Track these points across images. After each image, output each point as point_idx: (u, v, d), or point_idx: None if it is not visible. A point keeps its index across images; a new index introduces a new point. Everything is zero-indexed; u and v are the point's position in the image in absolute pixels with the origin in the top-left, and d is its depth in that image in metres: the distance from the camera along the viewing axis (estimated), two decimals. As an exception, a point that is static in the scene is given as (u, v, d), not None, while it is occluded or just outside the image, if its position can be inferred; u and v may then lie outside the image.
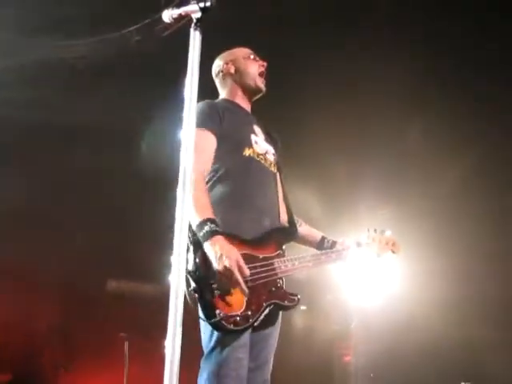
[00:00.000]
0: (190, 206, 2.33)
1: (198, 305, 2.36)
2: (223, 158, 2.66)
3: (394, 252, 3.07)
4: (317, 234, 3.03)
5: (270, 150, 2.85)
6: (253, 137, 2.78)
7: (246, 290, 2.38)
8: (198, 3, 1.87)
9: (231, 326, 2.34)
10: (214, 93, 2.99)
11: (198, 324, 2.53)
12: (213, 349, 2.45)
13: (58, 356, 6.98)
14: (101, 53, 5.15)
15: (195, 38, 1.85)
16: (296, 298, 2.58)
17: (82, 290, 6.68)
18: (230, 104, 2.88)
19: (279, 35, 5.41)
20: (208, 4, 1.86)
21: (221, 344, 2.43)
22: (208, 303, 2.34)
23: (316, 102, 6.04)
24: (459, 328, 6.20)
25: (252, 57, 2.95)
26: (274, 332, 2.70)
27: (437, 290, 6.45)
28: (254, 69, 2.90)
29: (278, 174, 2.85)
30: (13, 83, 5.35)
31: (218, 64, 2.99)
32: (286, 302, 2.56)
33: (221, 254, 2.32)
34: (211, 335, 2.46)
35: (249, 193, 2.66)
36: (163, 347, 1.62)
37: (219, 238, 2.36)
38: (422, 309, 6.48)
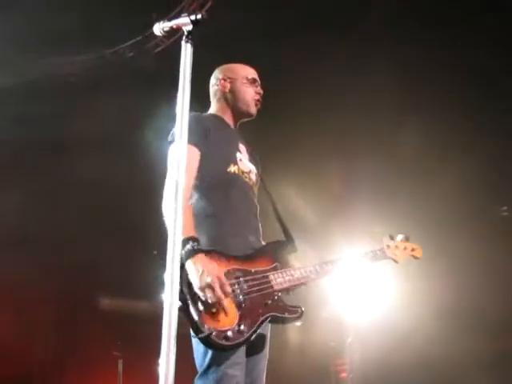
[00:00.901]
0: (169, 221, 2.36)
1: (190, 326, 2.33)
2: (208, 173, 2.63)
3: (415, 257, 2.98)
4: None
5: (253, 170, 2.83)
6: (238, 154, 2.77)
7: (231, 307, 2.36)
8: (189, 16, 1.87)
9: (223, 342, 2.31)
10: (206, 104, 2.96)
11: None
12: (207, 367, 2.41)
13: (49, 374, 6.89)
14: (95, 69, 5.17)
15: (187, 51, 1.85)
16: (299, 310, 2.54)
17: (75, 307, 6.61)
18: (217, 120, 2.85)
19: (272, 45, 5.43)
20: (199, 16, 1.86)
21: (215, 362, 2.39)
22: (196, 320, 2.31)
23: (312, 114, 6.06)
24: (457, 341, 6.16)
25: (252, 78, 2.88)
26: (266, 348, 2.67)
27: (433, 302, 6.42)
28: (250, 94, 2.84)
29: (257, 193, 2.84)
30: (13, 99, 5.35)
31: (216, 76, 2.93)
32: (287, 314, 2.52)
33: (202, 270, 2.31)
34: (205, 353, 2.42)
35: (234, 208, 2.64)
36: (157, 365, 1.59)
37: (201, 256, 2.35)
38: (418, 322, 6.44)
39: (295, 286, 2.60)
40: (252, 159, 2.86)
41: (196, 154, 2.61)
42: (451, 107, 5.99)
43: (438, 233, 6.30)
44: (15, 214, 5.97)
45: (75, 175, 6.03)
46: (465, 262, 6.32)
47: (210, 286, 2.29)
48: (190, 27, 1.86)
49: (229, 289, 2.35)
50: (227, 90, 2.86)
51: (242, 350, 2.44)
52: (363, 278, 6.81)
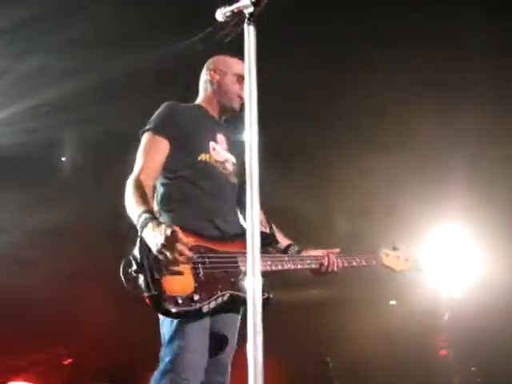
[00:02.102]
0: (128, 204, 2.49)
1: (141, 285, 2.36)
2: (177, 160, 2.69)
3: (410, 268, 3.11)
4: (284, 240, 3.00)
5: (231, 159, 2.86)
6: (212, 144, 2.80)
7: (188, 276, 2.40)
8: (248, -3, 1.84)
9: (171, 306, 2.36)
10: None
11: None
12: (170, 339, 2.48)
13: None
14: (167, 65, 5.24)
15: (250, 33, 1.81)
16: (265, 294, 2.54)
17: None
18: (195, 110, 2.91)
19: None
20: (259, -4, 1.82)
21: (177, 333, 2.46)
22: (149, 281, 2.35)
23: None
24: None
25: (242, 76, 2.78)
26: (231, 326, 2.70)
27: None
28: (235, 91, 2.88)
29: (240, 185, 2.78)
30: (96, 98, 5.53)
31: (208, 66, 2.99)
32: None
33: (155, 232, 2.33)
34: (170, 326, 2.49)
35: (200, 195, 2.69)
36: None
37: (155, 223, 2.37)
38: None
39: (267, 271, 2.63)
40: (231, 149, 2.88)
41: (163, 143, 2.68)
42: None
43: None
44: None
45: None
46: None
47: (165, 246, 2.29)
48: (251, 9, 1.83)
49: (185, 249, 2.33)
50: (215, 82, 2.92)
51: (206, 320, 2.51)
52: (455, 251, 6.64)
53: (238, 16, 1.91)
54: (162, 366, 2.48)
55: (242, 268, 2.53)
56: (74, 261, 6.09)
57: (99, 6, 4.77)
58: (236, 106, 2.89)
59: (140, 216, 2.41)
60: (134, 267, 2.38)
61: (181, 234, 2.31)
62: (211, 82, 2.93)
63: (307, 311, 7.11)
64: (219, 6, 2.06)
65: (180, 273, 2.39)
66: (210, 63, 2.99)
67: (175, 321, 2.47)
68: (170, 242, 2.29)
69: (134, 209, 2.47)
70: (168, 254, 2.31)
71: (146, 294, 2.35)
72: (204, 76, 2.98)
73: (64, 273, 6.12)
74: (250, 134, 1.72)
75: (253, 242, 1.65)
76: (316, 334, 6.88)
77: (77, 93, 5.36)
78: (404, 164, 6.41)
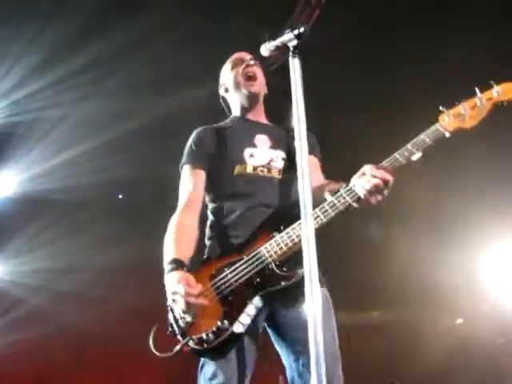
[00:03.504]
0: (164, 246, 2.42)
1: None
2: (216, 181, 2.63)
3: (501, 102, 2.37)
4: (335, 185, 2.49)
5: (277, 155, 2.66)
6: (247, 151, 2.64)
7: (211, 308, 2.27)
8: (292, 31, 1.90)
9: (200, 346, 2.26)
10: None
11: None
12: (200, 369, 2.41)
13: None
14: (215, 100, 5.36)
15: (295, 66, 1.87)
16: (297, 273, 2.27)
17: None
18: (229, 122, 2.82)
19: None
20: (302, 30, 1.89)
21: (202, 372, 2.38)
22: (181, 330, 2.30)
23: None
24: None
25: (236, 60, 2.82)
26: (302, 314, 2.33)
27: None
28: (239, 76, 2.74)
29: (289, 177, 2.56)
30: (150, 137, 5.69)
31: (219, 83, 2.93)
32: (283, 283, 2.31)
33: (168, 288, 2.29)
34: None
35: (228, 211, 2.55)
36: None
37: (170, 276, 2.30)
38: None
39: (299, 242, 2.26)
40: (278, 144, 2.69)
41: (195, 172, 2.62)
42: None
43: None
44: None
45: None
46: None
47: (174, 300, 2.25)
48: (295, 42, 1.89)
49: (194, 291, 2.24)
50: (227, 91, 2.85)
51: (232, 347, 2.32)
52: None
53: (282, 50, 1.97)
54: None
55: (269, 259, 2.33)
56: (139, 299, 6.19)
57: (150, 50, 4.96)
58: (247, 87, 2.73)
59: (167, 264, 2.36)
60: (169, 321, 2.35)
61: (187, 285, 2.24)
62: (225, 92, 2.87)
63: (369, 335, 7.00)
64: (265, 41, 2.14)
65: (203, 311, 2.27)
66: (219, 84, 2.93)
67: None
68: (178, 296, 2.23)
69: (165, 254, 2.41)
70: (178, 307, 2.25)
71: (178, 347, 2.28)
72: (222, 99, 2.92)
73: (130, 311, 6.21)
74: (302, 160, 1.77)
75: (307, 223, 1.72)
76: (382, 356, 6.76)
77: (130, 133, 5.55)
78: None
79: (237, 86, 2.76)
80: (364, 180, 2.26)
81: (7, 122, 5.82)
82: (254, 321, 2.33)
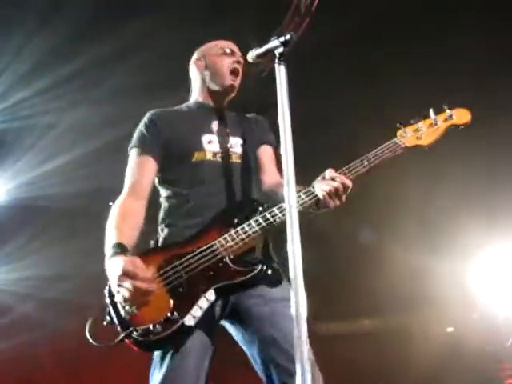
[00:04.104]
0: (107, 231, 2.33)
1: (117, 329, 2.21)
2: (171, 167, 2.54)
3: (457, 125, 2.51)
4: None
5: (237, 142, 2.60)
6: (206, 137, 2.56)
7: (160, 298, 2.17)
8: (278, 38, 1.92)
9: (147, 338, 2.13)
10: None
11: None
12: (150, 374, 2.32)
13: None
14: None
15: (281, 72, 1.88)
16: (257, 267, 2.24)
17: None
18: (184, 107, 2.73)
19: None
20: (288, 37, 1.91)
21: (156, 363, 2.28)
22: (122, 323, 2.18)
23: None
24: None
25: (229, 49, 2.70)
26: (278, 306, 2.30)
27: None
28: (225, 66, 2.64)
29: (248, 163, 2.58)
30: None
31: (192, 60, 2.79)
32: (239, 278, 2.24)
33: (114, 268, 2.17)
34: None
35: (193, 200, 2.47)
36: None
37: (114, 260, 2.20)
38: None
39: (254, 237, 2.29)
40: (235, 131, 2.63)
41: (149, 160, 2.53)
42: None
43: None
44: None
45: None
46: None
47: (120, 285, 2.13)
48: (281, 49, 1.91)
49: (145, 274, 2.15)
50: (203, 68, 2.71)
51: (189, 337, 2.22)
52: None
53: (269, 56, 1.98)
54: None
55: (223, 253, 2.27)
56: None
57: (137, 58, 4.96)
58: (229, 83, 2.64)
59: (110, 248, 2.25)
60: (106, 309, 2.24)
61: (136, 267, 2.14)
62: (199, 70, 2.72)
63: (360, 341, 7.00)
64: (252, 48, 2.15)
65: (149, 300, 2.15)
66: (192, 57, 2.80)
67: (156, 354, 2.28)
68: (126, 280, 2.12)
69: (107, 239, 2.31)
70: (125, 292, 2.13)
71: (119, 338, 2.16)
72: (190, 71, 2.78)
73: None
74: (287, 167, 1.77)
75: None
76: (371, 363, 6.76)
77: (119, 140, 5.54)
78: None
79: (218, 73, 2.65)
80: (324, 183, 2.27)
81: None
82: (208, 315, 2.24)
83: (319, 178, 2.32)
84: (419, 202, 6.34)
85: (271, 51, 1.95)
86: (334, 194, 2.25)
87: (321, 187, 2.27)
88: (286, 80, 1.86)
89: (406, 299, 6.65)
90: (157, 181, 2.60)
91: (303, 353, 1.54)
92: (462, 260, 6.68)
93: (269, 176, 2.61)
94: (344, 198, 2.28)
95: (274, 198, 2.41)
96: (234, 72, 2.64)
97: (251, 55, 2.06)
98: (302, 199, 2.29)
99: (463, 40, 4.99)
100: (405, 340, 6.87)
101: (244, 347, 2.40)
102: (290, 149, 1.78)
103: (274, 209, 2.30)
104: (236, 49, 2.72)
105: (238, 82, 2.66)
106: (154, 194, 2.59)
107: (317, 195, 2.28)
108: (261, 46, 2.04)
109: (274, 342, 2.26)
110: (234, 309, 2.37)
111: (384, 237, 6.62)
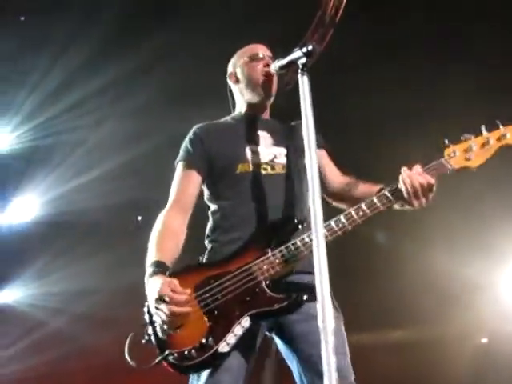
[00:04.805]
0: (149, 246, 2.32)
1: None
2: (217, 181, 2.52)
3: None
4: (370, 189, 2.41)
5: (280, 152, 2.54)
6: (249, 149, 2.52)
7: (196, 321, 2.15)
8: (300, 49, 1.90)
9: (183, 363, 2.13)
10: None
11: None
12: None
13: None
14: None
15: (304, 83, 1.86)
16: (291, 296, 2.18)
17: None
18: (229, 119, 2.70)
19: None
20: (310, 48, 1.89)
21: (194, 379, 2.26)
22: (160, 344, 2.18)
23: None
24: None
25: (255, 54, 2.62)
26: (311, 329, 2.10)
27: None
28: (256, 71, 2.57)
29: (293, 173, 2.51)
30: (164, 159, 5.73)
31: (227, 75, 2.74)
32: (276, 306, 2.19)
33: (151, 293, 2.17)
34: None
35: (233, 215, 2.44)
36: None
37: (153, 279, 2.19)
38: None
39: (292, 262, 2.23)
40: (280, 141, 2.57)
41: (193, 173, 2.52)
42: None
43: None
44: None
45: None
46: None
47: (157, 307, 2.13)
48: (304, 60, 1.89)
49: (181, 298, 2.12)
50: (236, 82, 2.66)
51: (225, 361, 2.18)
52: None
53: (292, 68, 1.97)
54: None
55: (260, 277, 2.22)
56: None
57: (163, 73, 5.00)
58: (262, 88, 2.56)
59: (149, 266, 2.26)
60: (146, 327, 2.24)
61: (173, 290, 2.13)
62: (234, 84, 2.68)
63: (394, 352, 6.88)
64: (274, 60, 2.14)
65: (185, 322, 2.15)
66: (228, 70, 2.74)
67: (201, 377, 2.24)
68: (162, 303, 2.11)
69: (149, 254, 2.31)
70: (162, 315, 2.12)
71: (156, 360, 2.17)
72: (228, 87, 2.75)
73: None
74: (312, 178, 1.75)
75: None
76: (404, 375, 6.63)
77: (146, 155, 5.58)
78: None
79: (251, 83, 2.59)
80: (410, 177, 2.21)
81: (27, 146, 5.92)
82: (249, 333, 2.20)
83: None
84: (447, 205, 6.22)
85: (294, 62, 1.93)
86: (421, 191, 2.21)
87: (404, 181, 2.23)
88: (309, 91, 1.84)
89: (439, 309, 6.52)
90: (205, 197, 2.60)
91: (330, 365, 1.51)
92: (497, 270, 6.54)
93: (335, 175, 2.62)
94: (430, 196, 2.24)
95: (348, 195, 2.48)
96: (266, 76, 2.54)
97: (274, 66, 2.05)
98: (387, 198, 2.26)
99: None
100: (439, 350, 6.73)
101: (287, 361, 2.40)
102: (314, 161, 1.75)
103: (351, 210, 2.24)
104: (264, 50, 2.64)
105: (273, 85, 2.58)
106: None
107: (401, 191, 2.23)
108: (284, 57, 2.04)
109: (311, 362, 2.21)
110: (278, 324, 2.34)
111: (418, 246, 6.53)
